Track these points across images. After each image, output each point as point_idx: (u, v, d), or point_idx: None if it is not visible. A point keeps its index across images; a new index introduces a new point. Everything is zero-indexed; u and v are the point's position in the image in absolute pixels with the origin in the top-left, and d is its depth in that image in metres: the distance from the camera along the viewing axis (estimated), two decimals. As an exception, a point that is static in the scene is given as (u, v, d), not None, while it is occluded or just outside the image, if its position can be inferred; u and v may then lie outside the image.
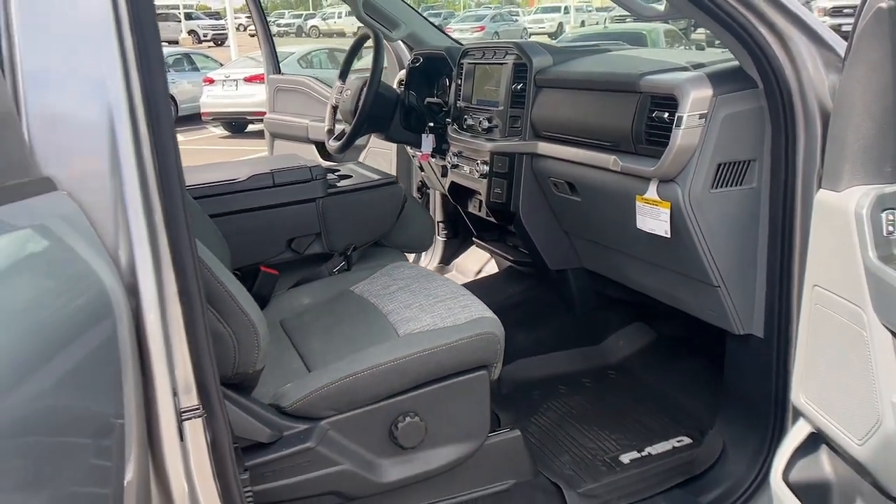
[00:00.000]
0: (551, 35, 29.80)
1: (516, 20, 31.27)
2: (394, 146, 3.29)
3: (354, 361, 1.64)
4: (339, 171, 2.53)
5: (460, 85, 2.62)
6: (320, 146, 3.77)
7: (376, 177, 2.42)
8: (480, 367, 1.72)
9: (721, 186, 1.73)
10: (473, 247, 3.19)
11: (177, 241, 1.06)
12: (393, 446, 1.66)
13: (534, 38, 27.28)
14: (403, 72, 3.09)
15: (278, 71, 4.23)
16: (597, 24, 30.93)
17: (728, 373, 1.94)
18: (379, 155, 3.45)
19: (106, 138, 1.01)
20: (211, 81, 12.46)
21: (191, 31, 31.81)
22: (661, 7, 1.81)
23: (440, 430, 1.69)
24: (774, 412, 1.76)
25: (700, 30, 13.68)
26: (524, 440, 1.85)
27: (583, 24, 30.41)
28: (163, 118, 1.05)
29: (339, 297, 2.07)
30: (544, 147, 2.21)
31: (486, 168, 2.36)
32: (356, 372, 1.61)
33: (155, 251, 1.03)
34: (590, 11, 32.80)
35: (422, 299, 1.87)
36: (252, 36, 7.84)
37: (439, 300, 1.85)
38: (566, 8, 32.93)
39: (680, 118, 1.69)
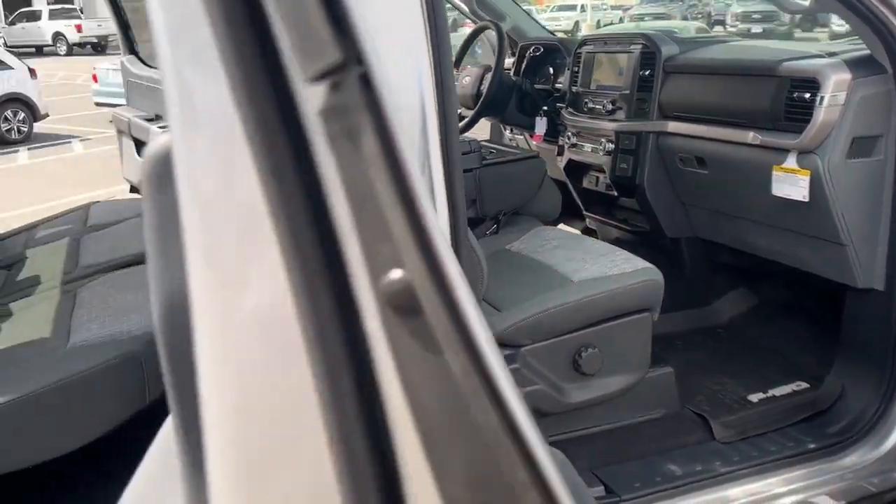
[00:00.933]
0: (567, 32, 29.99)
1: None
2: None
3: (545, 300, 1.92)
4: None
5: (577, 72, 2.90)
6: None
7: (517, 151, 2.72)
8: (645, 309, 2.01)
9: (854, 157, 2.02)
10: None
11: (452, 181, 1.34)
12: (576, 373, 1.95)
13: (551, 36, 27.51)
14: (511, 60, 3.38)
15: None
16: (611, 23, 31.10)
17: (847, 325, 2.22)
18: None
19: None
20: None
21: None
22: (806, 2, 2.09)
23: (614, 362, 1.98)
24: (893, 356, 2.04)
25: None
26: (674, 376, 2.14)
27: (598, 23, 30.62)
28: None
29: (496, 254, 2.36)
30: (674, 126, 2.50)
31: (612, 146, 2.65)
32: (547, 308, 1.90)
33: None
34: (605, 10, 33.03)
35: (582, 254, 2.16)
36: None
37: (600, 254, 2.13)
38: (582, 6, 33.11)
39: (822, 98, 1.97)
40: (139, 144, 3.89)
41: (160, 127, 3.50)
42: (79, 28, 25.65)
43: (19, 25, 26.39)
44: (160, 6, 0.51)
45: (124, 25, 3.99)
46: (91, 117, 13.39)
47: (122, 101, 12.88)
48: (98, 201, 2.95)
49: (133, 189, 4.22)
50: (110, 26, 24.37)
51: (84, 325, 1.72)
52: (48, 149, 10.83)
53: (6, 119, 11.23)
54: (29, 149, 10.81)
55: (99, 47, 25.79)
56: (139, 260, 2.13)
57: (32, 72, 11.67)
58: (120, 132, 4.01)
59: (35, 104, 11.52)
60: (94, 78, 13.25)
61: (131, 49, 4.06)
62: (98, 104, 13.31)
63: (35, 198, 7.79)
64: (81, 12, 27.74)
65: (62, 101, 14.84)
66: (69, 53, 25.59)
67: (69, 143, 11.30)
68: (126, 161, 4.06)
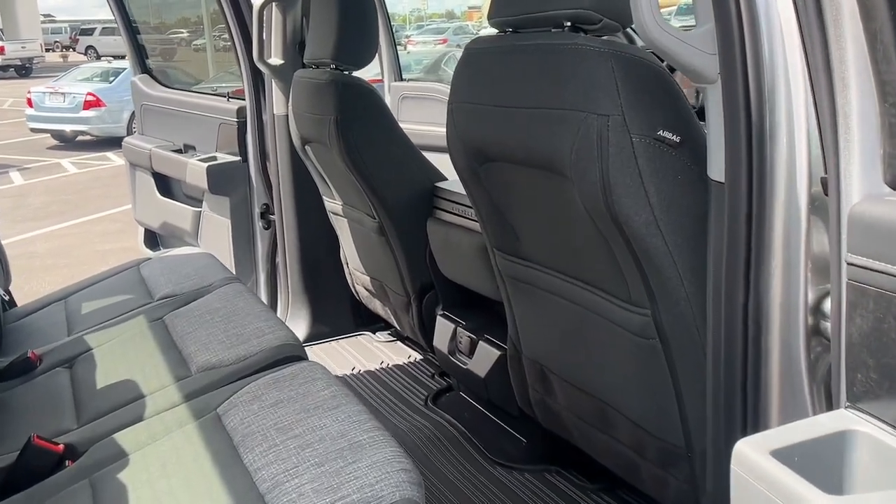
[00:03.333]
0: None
1: (478, 32, 31.63)
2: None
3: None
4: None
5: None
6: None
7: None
8: None
9: None
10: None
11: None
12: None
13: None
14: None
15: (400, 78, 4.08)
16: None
17: None
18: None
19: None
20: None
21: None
22: None
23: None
24: None
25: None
26: None
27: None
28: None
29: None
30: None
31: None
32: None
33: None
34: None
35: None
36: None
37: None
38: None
39: None
40: (160, 179, 3.34)
41: (201, 159, 2.97)
42: (1, 50, 24.19)
43: (-69, 48, 24.71)
44: None
45: (135, 42, 3.45)
46: (26, 144, 12.43)
47: (61, 126, 11.88)
48: (149, 258, 2.41)
49: (148, 236, 3.62)
50: (35, 48, 23.04)
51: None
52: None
53: (-69, 149, 10.23)
54: (-41, 182, 9.85)
55: (23, 70, 24.36)
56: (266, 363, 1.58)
57: (-43, 97, 10.70)
58: (133, 165, 3.44)
59: (-38, 132, 10.53)
60: (29, 102, 12.32)
61: (143, 67, 3.50)
62: (34, 130, 12.39)
63: (-17, 236, 6.99)
64: (2, 33, 26.18)
65: (-9, 127, 13.76)
66: (-10, 77, 24.07)
67: (6, 173, 10.36)
68: (141, 200, 3.48)
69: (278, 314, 2.89)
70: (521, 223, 1.49)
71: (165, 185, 3.33)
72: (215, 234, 3.05)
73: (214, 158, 2.95)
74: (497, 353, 1.91)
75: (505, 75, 1.35)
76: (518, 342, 1.67)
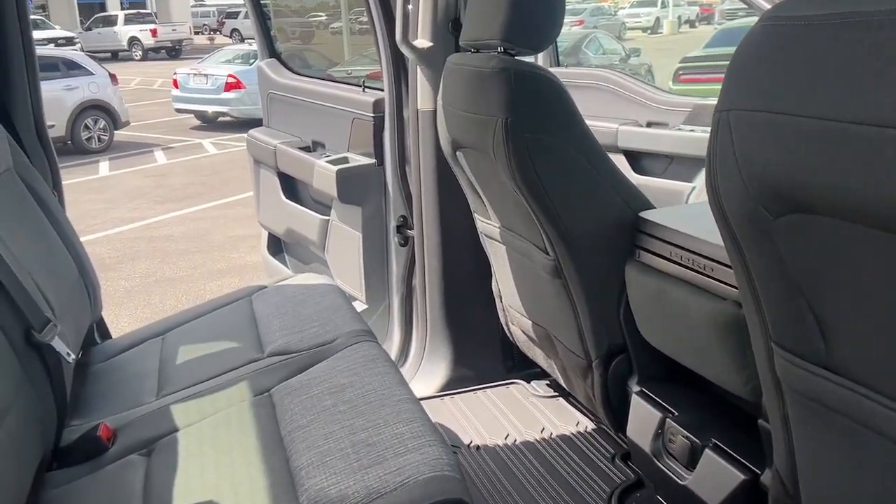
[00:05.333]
0: (646, 30, 28.90)
1: (615, 14, 30.38)
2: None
3: None
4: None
5: None
6: (633, 157, 2.99)
7: None
8: None
9: None
10: None
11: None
12: None
13: (630, 33, 26.41)
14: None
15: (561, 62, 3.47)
16: (689, 20, 29.99)
17: None
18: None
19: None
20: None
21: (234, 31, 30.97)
22: None
23: None
24: None
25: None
26: None
27: (679, 19, 29.49)
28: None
29: None
30: None
31: None
32: None
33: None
34: (680, 6, 31.66)
35: None
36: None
37: None
38: (663, 2, 31.81)
39: None
40: (286, 180, 2.92)
41: (330, 160, 2.51)
42: (154, 32, 25.41)
43: (95, 31, 26.33)
44: None
45: (264, 23, 3.03)
46: (171, 124, 12.78)
47: (203, 107, 12.23)
48: (263, 288, 1.96)
49: (272, 241, 3.23)
50: (184, 31, 24.53)
51: None
52: (130, 159, 10.16)
53: (86, 127, 10.61)
54: (110, 159, 10.15)
55: (173, 51, 25.52)
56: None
57: (113, 77, 11.04)
58: (258, 162, 3.04)
59: (116, 111, 10.87)
60: (175, 83, 12.64)
61: (272, 51, 3.09)
62: (179, 110, 12.71)
63: (119, 217, 7.04)
64: (156, 17, 27.57)
65: (141, 107, 14.30)
66: (144, 58, 25.39)
67: (151, 152, 10.62)
68: (265, 202, 3.08)
69: (413, 349, 2.40)
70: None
71: (291, 186, 2.92)
72: (344, 248, 2.59)
73: (346, 160, 2.48)
74: (739, 476, 1.29)
75: None
76: (793, 487, 1.06)
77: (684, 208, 2.13)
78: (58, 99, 10.02)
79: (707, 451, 1.38)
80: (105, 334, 2.12)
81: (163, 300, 4.92)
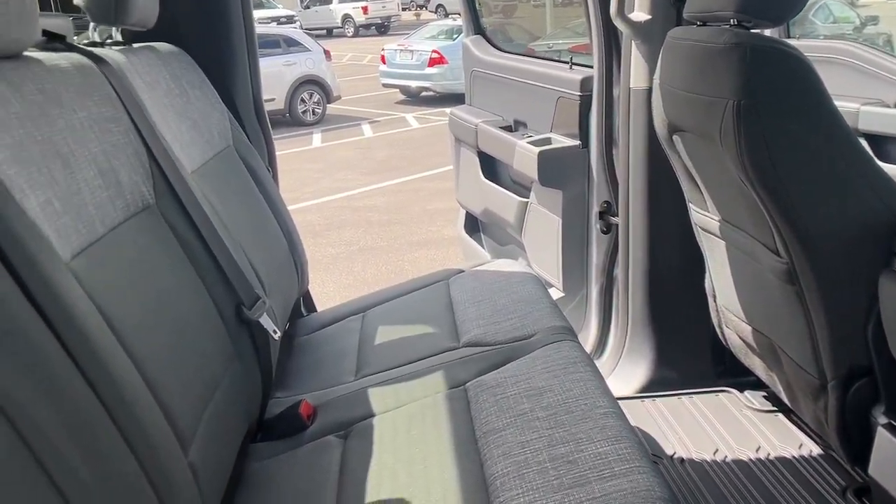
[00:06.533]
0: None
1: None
2: None
3: None
4: None
5: None
6: (876, 142, 2.59)
7: None
8: None
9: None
10: None
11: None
12: None
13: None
14: None
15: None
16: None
17: None
18: None
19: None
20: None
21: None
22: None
23: None
24: None
25: None
26: None
27: None
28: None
29: None
30: None
31: None
32: None
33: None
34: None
35: None
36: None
37: None
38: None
39: None
40: (485, 159, 2.87)
41: (532, 141, 2.41)
42: (365, 10, 26.65)
43: (313, 9, 28.13)
44: None
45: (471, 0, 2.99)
46: (378, 98, 13.34)
47: (408, 82, 12.62)
48: (460, 272, 1.92)
49: (469, 220, 3.21)
50: (392, 7, 25.45)
51: None
52: (339, 131, 10.74)
53: (302, 101, 11.34)
54: (322, 131, 10.79)
55: (382, 28, 26.63)
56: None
57: (327, 53, 11.69)
58: (458, 141, 3.01)
59: (329, 86, 11.52)
60: (382, 59, 13.14)
61: (477, 27, 3.03)
62: (385, 85, 13.22)
63: (328, 187, 7.45)
64: (367, -6, 28.91)
65: (350, 81, 15.06)
66: (355, 35, 26.74)
67: (358, 125, 11.15)
68: (464, 181, 3.05)
69: (610, 344, 2.26)
70: None
71: (491, 166, 2.86)
72: (542, 232, 2.49)
73: (548, 141, 2.37)
74: None
75: None
76: None
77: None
78: (278, 74, 10.79)
79: None
80: (310, 307, 2.20)
81: (364, 268, 5.13)
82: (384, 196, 7.15)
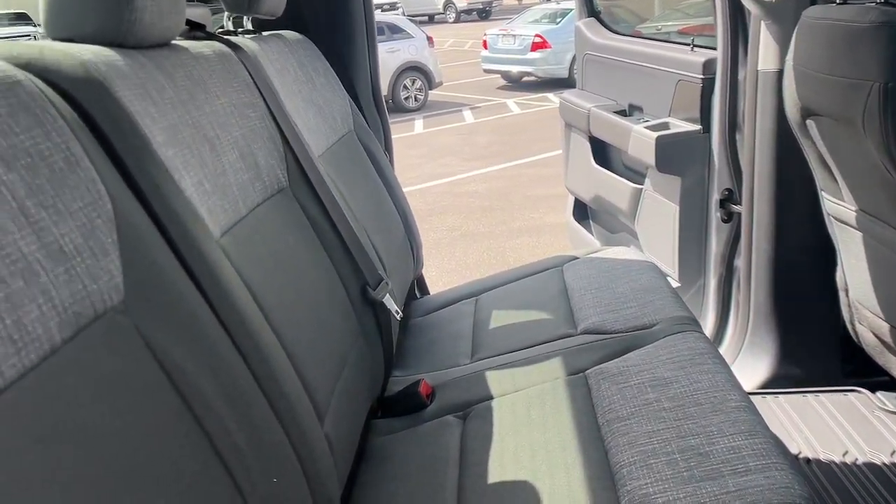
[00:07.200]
0: None
1: None
2: None
3: None
4: None
5: None
6: None
7: None
8: None
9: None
10: None
11: None
12: None
13: None
14: None
15: None
16: None
17: None
18: None
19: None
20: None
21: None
22: None
23: None
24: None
25: None
26: None
27: None
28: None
29: None
30: None
31: None
32: None
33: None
34: None
35: None
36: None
37: None
38: None
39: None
40: (597, 145, 2.82)
41: (648, 126, 2.35)
42: (467, -6, 26.76)
43: (416, -5, 28.47)
44: None
45: (586, -21, 2.93)
46: (479, 84, 13.32)
47: (509, 67, 12.51)
48: (574, 258, 1.91)
49: (578, 207, 3.16)
50: (494, -8, 24.89)
51: None
52: (441, 117, 10.80)
53: (405, 87, 11.46)
54: (424, 117, 10.88)
55: (483, 13, 26.60)
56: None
57: (430, 40, 11.75)
58: (569, 126, 2.97)
59: (431, 72, 11.59)
60: (484, 44, 13.09)
61: (591, 10, 2.97)
62: (486, 71, 13.18)
63: (430, 172, 7.52)
64: (469, -21, 28.91)
65: (452, 67, 15.10)
66: (457, 20, 26.81)
67: (460, 111, 11.18)
68: (574, 167, 3.01)
69: (729, 337, 2.18)
70: None
71: (603, 151, 2.81)
72: (657, 220, 2.43)
73: (666, 126, 2.30)
74: None
75: None
76: None
77: None
78: (382, 61, 10.89)
79: None
80: (423, 289, 2.24)
81: (466, 254, 5.16)
82: (486, 182, 7.15)
